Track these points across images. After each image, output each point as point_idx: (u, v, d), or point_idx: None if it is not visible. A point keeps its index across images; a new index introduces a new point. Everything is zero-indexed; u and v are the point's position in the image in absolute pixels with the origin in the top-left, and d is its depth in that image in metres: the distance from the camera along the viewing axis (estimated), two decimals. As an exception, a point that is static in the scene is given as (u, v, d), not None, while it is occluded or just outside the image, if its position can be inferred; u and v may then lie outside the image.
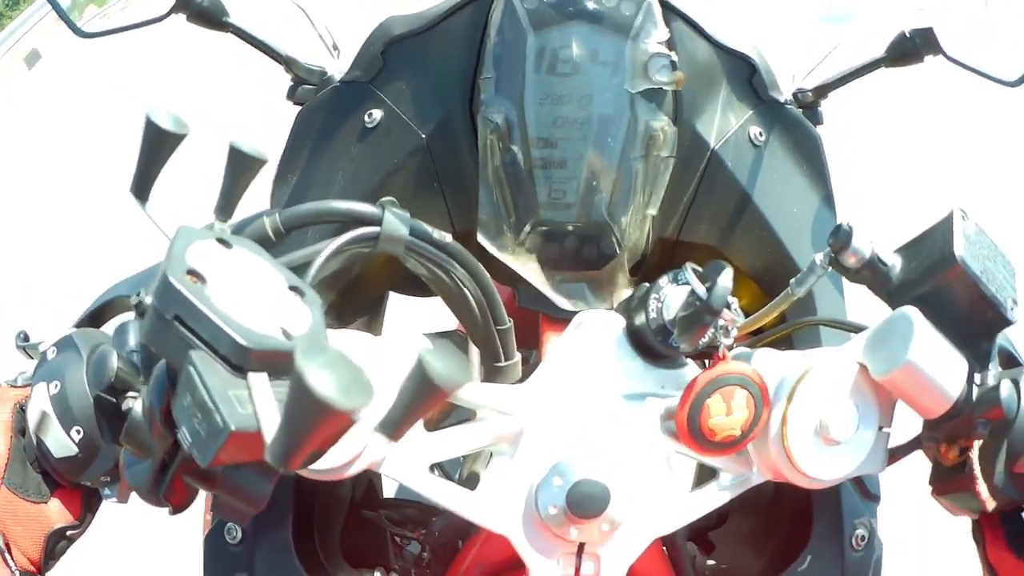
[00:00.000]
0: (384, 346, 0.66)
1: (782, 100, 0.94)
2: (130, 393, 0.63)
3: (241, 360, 0.48)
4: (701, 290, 0.65)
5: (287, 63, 1.02)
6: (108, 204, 3.34)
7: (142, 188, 0.62)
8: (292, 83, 1.03)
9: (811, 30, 3.93)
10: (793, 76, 1.04)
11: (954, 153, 3.68)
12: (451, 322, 1.20)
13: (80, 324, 0.87)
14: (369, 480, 1.07)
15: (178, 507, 0.62)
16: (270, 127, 1.13)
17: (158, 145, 0.61)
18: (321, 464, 0.59)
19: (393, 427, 0.49)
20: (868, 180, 3.33)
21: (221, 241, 0.55)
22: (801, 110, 0.99)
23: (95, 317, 0.87)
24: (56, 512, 0.70)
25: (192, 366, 0.47)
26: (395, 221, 0.70)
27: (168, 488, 0.59)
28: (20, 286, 3.13)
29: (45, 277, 3.15)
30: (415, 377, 0.46)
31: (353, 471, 0.63)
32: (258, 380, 0.48)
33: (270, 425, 0.45)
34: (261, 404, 0.46)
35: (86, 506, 0.72)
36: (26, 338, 0.88)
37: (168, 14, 1.00)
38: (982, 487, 0.68)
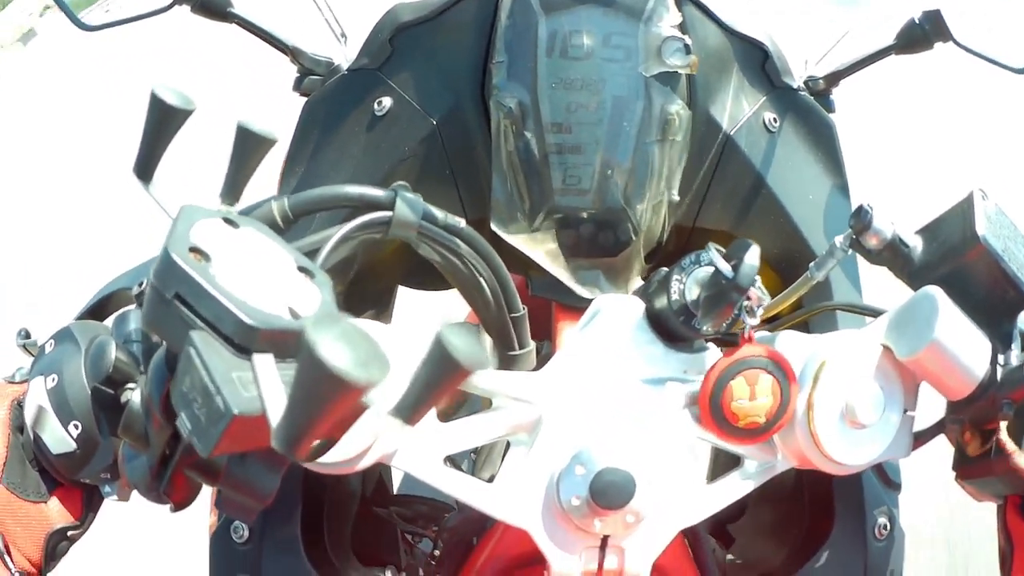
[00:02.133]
0: (396, 333, 0.64)
1: (795, 86, 0.95)
2: (129, 384, 0.61)
3: (246, 340, 0.46)
4: (727, 268, 0.63)
5: (293, 53, 1.03)
6: (97, 180, 3.35)
7: (146, 167, 0.61)
8: (298, 74, 1.03)
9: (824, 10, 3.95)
10: (806, 62, 1.05)
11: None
12: (459, 315, 1.19)
13: (81, 318, 0.86)
14: (379, 475, 1.06)
15: (180, 504, 0.59)
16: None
17: (163, 122, 0.59)
18: (331, 456, 0.56)
19: (410, 411, 0.46)
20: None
21: (227, 220, 0.52)
22: (813, 97, 0.99)
23: (96, 311, 0.85)
24: (56, 512, 0.68)
25: (193, 347, 0.44)
26: (407, 206, 0.68)
27: (169, 483, 0.57)
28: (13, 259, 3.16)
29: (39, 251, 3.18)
30: (434, 356, 0.43)
31: (364, 464, 0.61)
32: (263, 361, 0.45)
33: (276, 408, 0.42)
34: (267, 386, 0.44)
35: (87, 505, 0.70)
36: (27, 335, 0.86)
37: (171, 5, 1.01)
38: (1020, 460, 0.68)
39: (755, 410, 0.65)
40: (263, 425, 0.43)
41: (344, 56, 1.02)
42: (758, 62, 0.93)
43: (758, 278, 0.64)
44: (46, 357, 0.66)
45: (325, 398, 0.38)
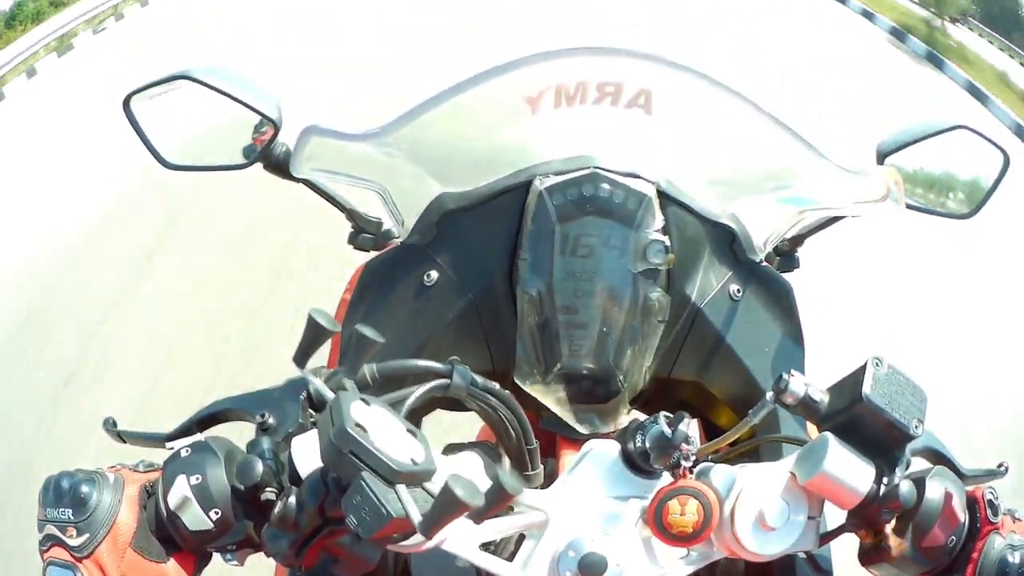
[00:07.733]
0: (457, 463, 0.90)
1: (758, 260, 1.12)
2: (268, 488, 0.83)
3: (393, 479, 0.74)
4: (667, 431, 0.85)
5: (350, 213, 1.23)
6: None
7: (302, 360, 0.85)
8: (352, 230, 1.24)
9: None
10: (766, 240, 1.20)
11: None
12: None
13: (187, 428, 1.01)
14: (405, 560, 1.22)
15: (309, 569, 0.82)
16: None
17: (316, 335, 0.84)
18: (412, 540, 0.82)
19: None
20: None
21: (364, 401, 0.79)
22: (779, 258, 1.18)
23: (204, 423, 1.02)
24: (173, 570, 0.82)
25: (364, 481, 0.73)
26: (460, 376, 0.93)
27: (305, 555, 0.81)
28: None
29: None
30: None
31: (428, 546, 0.83)
32: (403, 490, 0.74)
33: (415, 514, 0.72)
34: (407, 502, 0.73)
35: (199, 566, 0.85)
36: (114, 424, 1.00)
37: (251, 163, 1.19)
38: (894, 546, 0.85)
39: (684, 523, 0.85)
40: (404, 524, 0.72)
41: (393, 225, 1.20)
42: (727, 242, 1.10)
43: (692, 434, 0.86)
44: (184, 459, 0.83)
45: (454, 512, 0.69)
